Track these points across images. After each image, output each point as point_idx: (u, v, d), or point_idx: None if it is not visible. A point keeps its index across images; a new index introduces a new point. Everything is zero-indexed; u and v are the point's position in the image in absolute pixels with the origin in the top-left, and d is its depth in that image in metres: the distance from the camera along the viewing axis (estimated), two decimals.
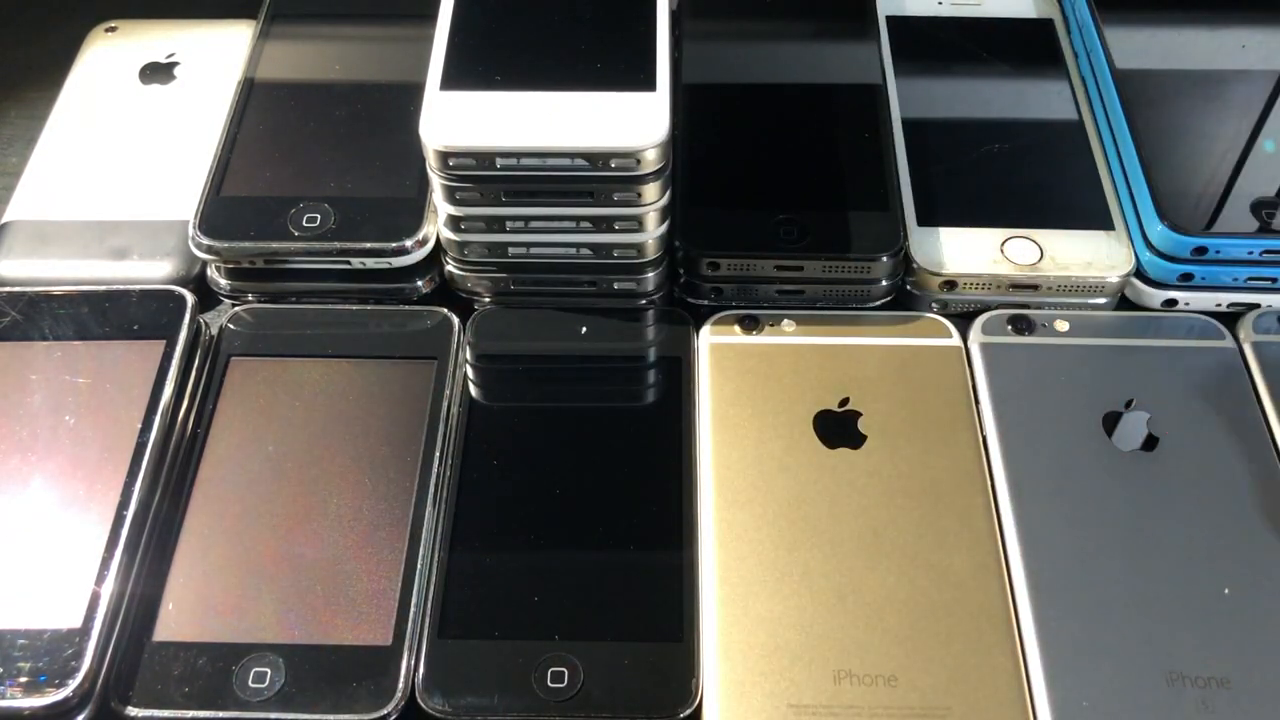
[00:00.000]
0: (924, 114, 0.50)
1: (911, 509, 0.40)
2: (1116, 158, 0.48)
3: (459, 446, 0.41)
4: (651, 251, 0.44)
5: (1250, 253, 0.44)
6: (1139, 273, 0.46)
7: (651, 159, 0.40)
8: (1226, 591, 0.37)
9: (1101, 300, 0.46)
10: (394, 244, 0.44)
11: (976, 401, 0.43)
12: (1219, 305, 0.46)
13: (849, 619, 0.37)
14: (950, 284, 0.45)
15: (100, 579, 0.37)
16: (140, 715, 0.35)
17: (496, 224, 0.43)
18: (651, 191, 0.41)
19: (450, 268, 0.45)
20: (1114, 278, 0.45)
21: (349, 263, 0.45)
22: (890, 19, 0.54)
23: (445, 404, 0.42)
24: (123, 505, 0.38)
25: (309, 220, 0.44)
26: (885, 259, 0.44)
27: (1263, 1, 0.52)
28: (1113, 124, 0.49)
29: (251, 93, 0.50)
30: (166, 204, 0.47)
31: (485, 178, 0.41)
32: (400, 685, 0.36)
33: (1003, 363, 0.43)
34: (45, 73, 0.54)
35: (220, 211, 0.45)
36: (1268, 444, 0.41)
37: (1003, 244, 0.45)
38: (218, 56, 0.53)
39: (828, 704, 0.35)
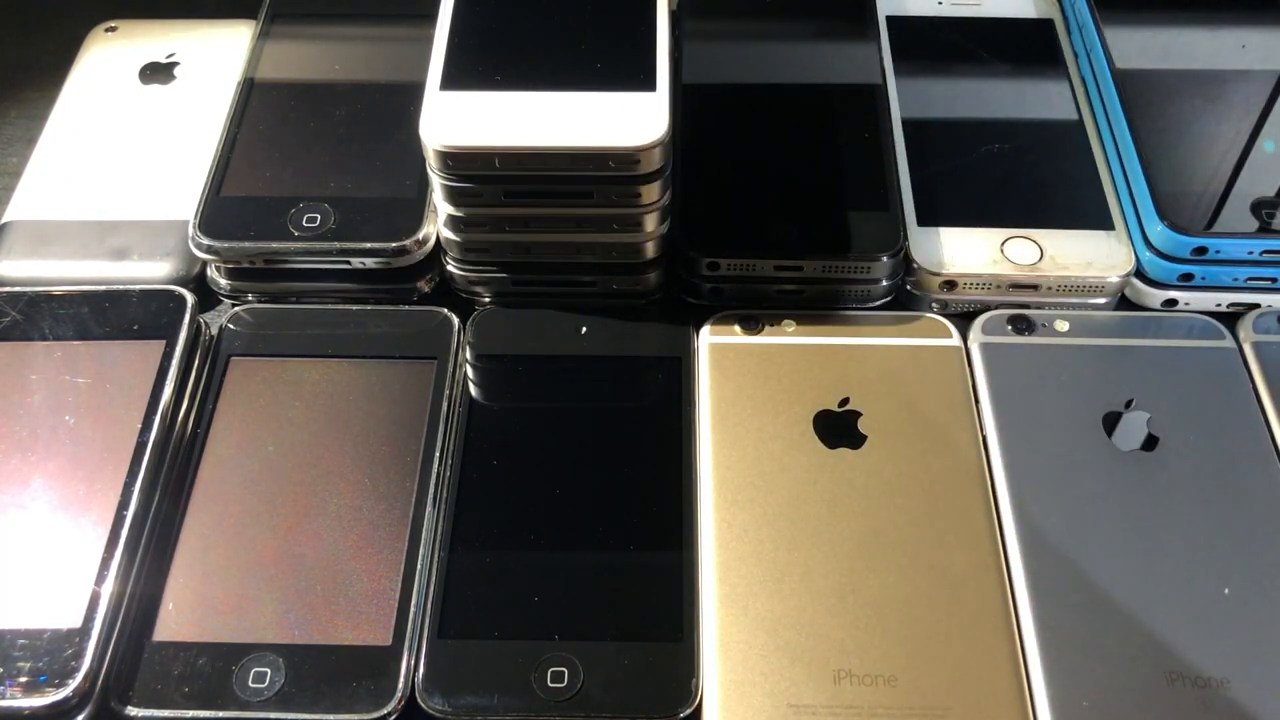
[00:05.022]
0: (924, 114, 0.50)
1: (911, 509, 0.40)
2: (1116, 158, 0.48)
3: (459, 446, 0.41)
4: (651, 251, 0.44)
5: (1250, 253, 0.44)
6: (1139, 273, 0.46)
7: (651, 159, 0.40)
8: (1226, 591, 0.37)
9: (1101, 300, 0.46)
10: (394, 244, 0.44)
11: (976, 401, 0.43)
12: (1219, 305, 0.46)
13: (849, 619, 0.37)
14: (950, 284, 0.45)
15: (100, 579, 0.37)
16: (140, 715, 0.35)
17: (496, 224, 0.43)
18: (651, 191, 0.41)
19: (450, 268, 0.45)
20: (1114, 278, 0.45)
21: (349, 263, 0.45)
22: (890, 19, 0.54)
23: (445, 404, 0.42)
24: (123, 505, 0.38)
25: (309, 220, 0.44)
26: (885, 259, 0.44)
27: (1263, 1, 0.52)
28: (1113, 124, 0.49)
29: (251, 93, 0.50)
30: (166, 204, 0.47)
31: (485, 178, 0.41)
32: (400, 685, 0.36)
33: (1003, 363, 0.43)
34: (45, 73, 0.54)
35: (220, 211, 0.45)
36: (1268, 444, 0.41)
37: (1003, 244, 0.45)
38: (218, 56, 0.53)
39: (828, 704, 0.35)
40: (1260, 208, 0.44)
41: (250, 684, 0.36)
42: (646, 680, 0.36)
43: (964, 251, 0.45)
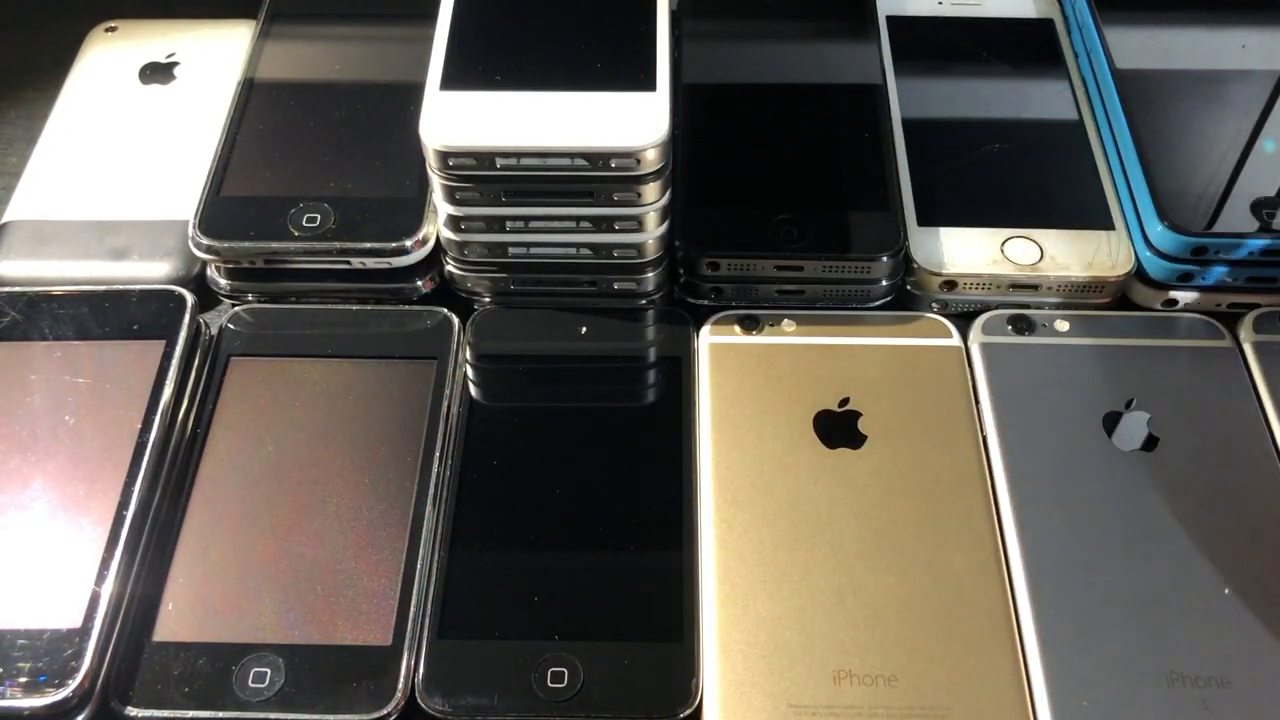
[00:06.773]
0: (924, 114, 0.50)
1: (911, 509, 0.40)
2: (1116, 157, 0.48)
3: (459, 446, 0.41)
4: (651, 251, 0.44)
5: (1250, 253, 0.44)
6: (1139, 273, 0.45)
7: (651, 159, 0.40)
8: (1226, 591, 0.37)
9: (1101, 300, 0.46)
10: (394, 244, 0.44)
11: (976, 401, 0.43)
12: (1219, 305, 0.46)
13: (849, 619, 0.37)
14: (950, 284, 0.45)
15: (100, 579, 0.37)
16: (140, 715, 0.35)
17: (496, 224, 0.43)
18: (651, 191, 0.41)
19: (450, 268, 0.45)
20: (1114, 278, 0.45)
21: (349, 263, 0.45)
22: (890, 19, 0.54)
23: (445, 404, 0.42)
24: (123, 505, 0.38)
25: (309, 220, 0.44)
26: (885, 259, 0.44)
27: (1263, 1, 0.52)
28: (1113, 124, 0.48)
29: (251, 93, 0.50)
30: (166, 204, 0.47)
31: (485, 178, 0.41)
32: (400, 685, 0.36)
33: (1003, 363, 0.43)
34: (45, 73, 0.54)
35: (220, 211, 0.45)
36: (1267, 444, 0.41)
37: (1003, 244, 0.45)
38: (218, 56, 0.53)
39: (828, 704, 0.35)
40: (1260, 208, 0.44)
41: (250, 684, 0.36)
42: (646, 680, 0.36)
43: (964, 251, 0.45)
